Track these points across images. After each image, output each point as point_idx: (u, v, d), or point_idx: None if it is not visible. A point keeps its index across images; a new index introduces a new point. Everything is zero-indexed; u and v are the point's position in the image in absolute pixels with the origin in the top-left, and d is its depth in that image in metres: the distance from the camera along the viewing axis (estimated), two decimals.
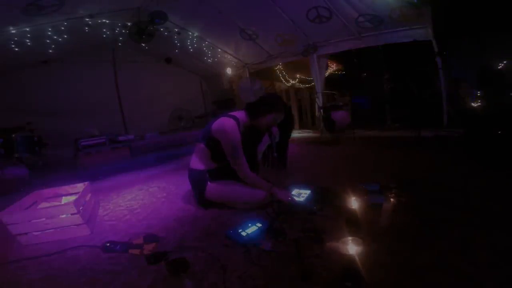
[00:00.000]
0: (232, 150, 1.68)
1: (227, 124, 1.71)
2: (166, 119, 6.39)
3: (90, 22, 4.07)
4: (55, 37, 3.93)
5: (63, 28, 3.88)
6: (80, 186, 2.03)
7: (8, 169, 2.91)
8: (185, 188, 2.28)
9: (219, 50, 5.99)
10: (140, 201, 2.20)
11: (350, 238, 1.15)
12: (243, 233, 1.32)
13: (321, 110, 5.37)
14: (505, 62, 3.17)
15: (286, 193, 1.72)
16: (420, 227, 1.28)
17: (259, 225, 1.38)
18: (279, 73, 6.55)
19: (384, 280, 0.94)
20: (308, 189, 1.82)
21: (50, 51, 4.10)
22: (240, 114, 1.84)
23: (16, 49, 3.67)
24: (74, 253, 1.37)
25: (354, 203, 1.54)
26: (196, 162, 1.85)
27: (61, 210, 1.56)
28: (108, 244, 1.36)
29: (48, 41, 3.94)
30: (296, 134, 5.70)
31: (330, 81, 6.01)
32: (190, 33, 5.31)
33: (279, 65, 6.39)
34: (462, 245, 1.09)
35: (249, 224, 1.39)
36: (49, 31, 3.82)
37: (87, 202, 1.82)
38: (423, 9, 3.67)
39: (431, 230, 1.25)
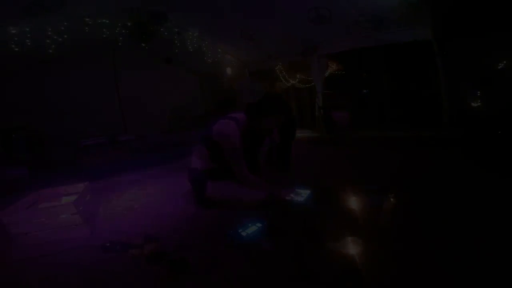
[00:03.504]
0: (232, 153, 1.68)
1: (227, 127, 1.70)
2: (166, 119, 6.39)
3: (90, 22, 4.07)
4: (55, 37, 3.92)
5: (63, 28, 3.87)
6: (80, 186, 2.03)
7: (8, 169, 2.91)
8: (185, 188, 2.28)
9: (219, 50, 5.99)
10: (140, 201, 2.20)
11: (350, 238, 1.15)
12: (243, 233, 1.32)
13: (321, 110, 5.37)
14: (505, 62, 3.17)
15: (286, 193, 1.72)
16: (420, 227, 1.28)
17: (259, 225, 1.38)
18: (279, 73, 6.53)
19: (384, 280, 0.93)
20: (308, 189, 1.82)
21: (50, 51, 4.10)
22: (241, 115, 1.83)
23: (16, 49, 3.66)
24: (74, 253, 1.37)
25: (354, 203, 1.54)
26: (196, 162, 1.85)
27: (61, 210, 1.56)
28: (108, 244, 1.36)
29: (48, 41, 3.94)
30: (296, 134, 5.71)
31: (330, 81, 6.00)
32: (190, 33, 5.31)
33: (279, 65, 6.39)
34: (462, 245, 1.09)
35: (249, 224, 1.39)
36: (49, 31, 3.82)
37: (87, 202, 1.81)
38: (423, 9, 3.67)
39: (431, 230, 1.25)
